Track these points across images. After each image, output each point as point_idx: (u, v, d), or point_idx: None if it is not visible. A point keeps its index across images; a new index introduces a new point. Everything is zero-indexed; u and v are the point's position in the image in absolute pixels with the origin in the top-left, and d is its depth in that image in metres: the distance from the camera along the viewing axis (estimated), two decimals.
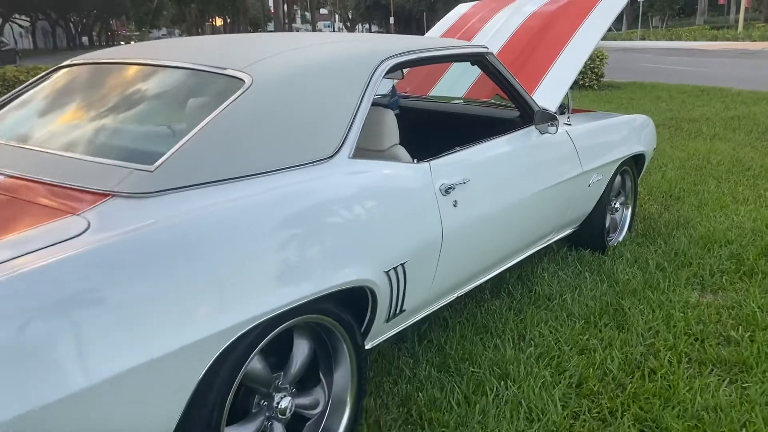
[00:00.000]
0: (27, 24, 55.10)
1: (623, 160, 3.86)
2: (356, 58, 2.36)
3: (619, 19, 54.12)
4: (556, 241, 3.72)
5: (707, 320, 3.07)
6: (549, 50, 3.86)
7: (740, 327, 2.99)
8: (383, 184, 2.24)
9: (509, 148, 2.97)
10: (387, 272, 2.19)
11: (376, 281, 2.12)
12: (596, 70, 13.05)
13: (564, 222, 3.56)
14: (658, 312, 3.14)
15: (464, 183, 2.57)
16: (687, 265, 3.74)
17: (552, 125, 3.08)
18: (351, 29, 58.45)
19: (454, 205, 2.52)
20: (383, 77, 2.39)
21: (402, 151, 2.63)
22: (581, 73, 12.97)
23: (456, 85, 4.15)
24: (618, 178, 4.05)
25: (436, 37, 3.02)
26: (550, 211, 3.31)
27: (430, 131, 3.66)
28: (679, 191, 5.33)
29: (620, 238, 4.19)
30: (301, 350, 2.05)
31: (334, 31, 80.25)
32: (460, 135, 3.41)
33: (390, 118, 2.63)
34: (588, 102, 11.13)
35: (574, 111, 4.29)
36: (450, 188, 2.48)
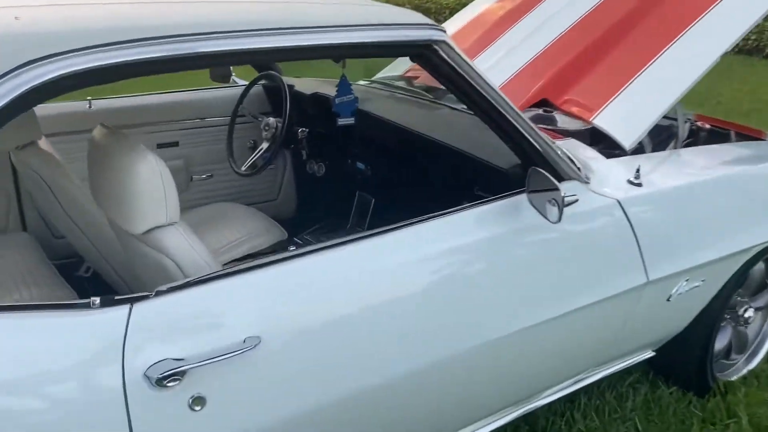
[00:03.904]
0: None
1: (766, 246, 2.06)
2: None
3: None
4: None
5: None
6: (641, 47, 2.18)
7: None
8: None
9: (432, 250, 1.44)
10: None
11: None
12: None
13: (608, 356, 1.93)
14: None
15: (249, 348, 1.13)
16: None
17: (552, 203, 1.45)
18: None
19: (192, 408, 1.10)
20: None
21: (173, 240, 1.26)
22: None
23: (498, 66, 2.51)
24: (761, 265, 2.25)
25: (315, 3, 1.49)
26: (558, 355, 1.72)
27: (390, 170, 2.18)
28: None
29: (751, 366, 2.38)
30: None
31: None
32: (425, 188, 1.94)
33: (148, 172, 1.24)
34: None
35: (718, 127, 2.48)
36: (171, 376, 1.06)
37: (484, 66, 2.26)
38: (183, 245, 1.30)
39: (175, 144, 2.62)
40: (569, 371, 1.83)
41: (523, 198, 1.54)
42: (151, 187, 1.25)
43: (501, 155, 1.74)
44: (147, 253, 1.33)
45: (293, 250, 1.27)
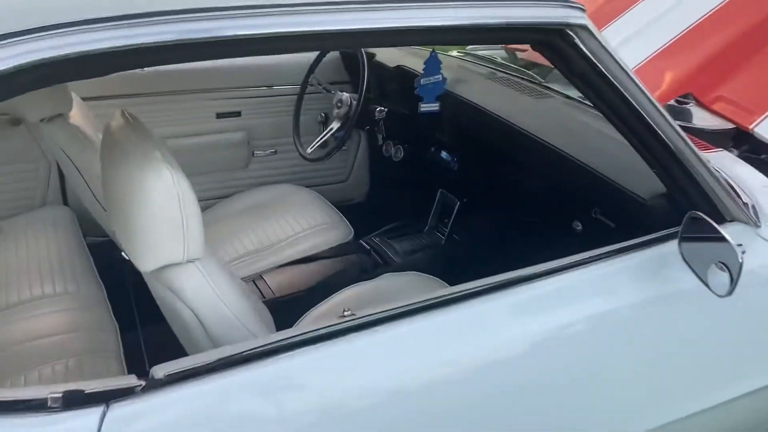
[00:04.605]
0: None
1: None
2: None
3: None
4: None
5: None
6: None
7: None
8: None
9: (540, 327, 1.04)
10: None
11: None
12: None
13: None
14: None
15: None
16: None
17: (720, 267, 1.03)
18: None
19: None
20: None
21: (193, 283, 0.94)
22: None
23: (626, 47, 2.03)
24: None
25: None
26: None
27: (482, 168, 1.78)
28: None
29: None
30: None
31: None
32: (525, 198, 1.54)
33: (162, 193, 0.91)
34: None
35: None
36: None
37: None
38: (206, 293, 0.97)
39: (237, 114, 2.30)
40: None
41: (671, 249, 1.12)
42: (164, 213, 0.92)
43: (636, 176, 1.32)
44: (162, 294, 1.01)
45: (351, 317, 0.91)
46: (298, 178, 2.41)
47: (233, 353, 0.83)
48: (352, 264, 1.90)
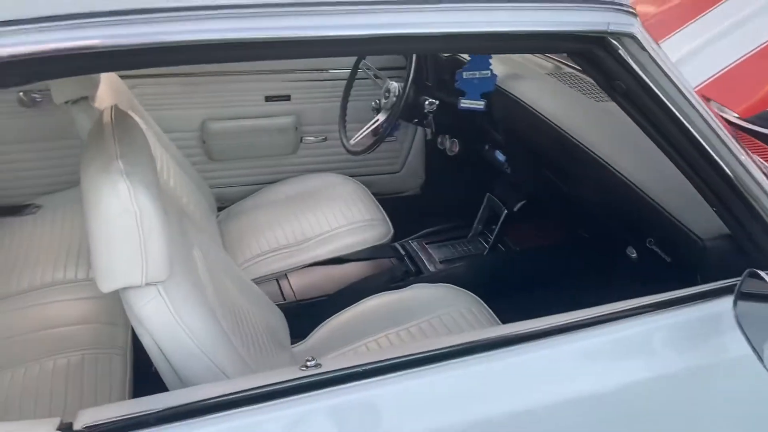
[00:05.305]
0: None
1: None
2: None
3: None
4: None
5: None
6: None
7: None
8: None
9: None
10: None
11: None
12: None
13: None
14: None
15: None
16: None
17: None
18: None
19: None
20: None
21: (151, 309, 0.85)
22: None
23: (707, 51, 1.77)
24: None
25: None
26: None
27: (534, 176, 1.60)
28: None
29: None
30: None
31: None
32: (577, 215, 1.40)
33: (117, 211, 0.82)
34: None
35: None
36: None
37: (680, 52, 1.56)
38: (166, 321, 0.87)
39: (287, 98, 2.20)
40: None
41: (726, 307, 0.92)
42: (120, 231, 0.83)
43: (699, 207, 1.11)
44: (130, 317, 0.92)
45: (315, 367, 0.78)
46: (348, 167, 2.29)
47: (177, 404, 0.73)
48: (382, 269, 1.78)
